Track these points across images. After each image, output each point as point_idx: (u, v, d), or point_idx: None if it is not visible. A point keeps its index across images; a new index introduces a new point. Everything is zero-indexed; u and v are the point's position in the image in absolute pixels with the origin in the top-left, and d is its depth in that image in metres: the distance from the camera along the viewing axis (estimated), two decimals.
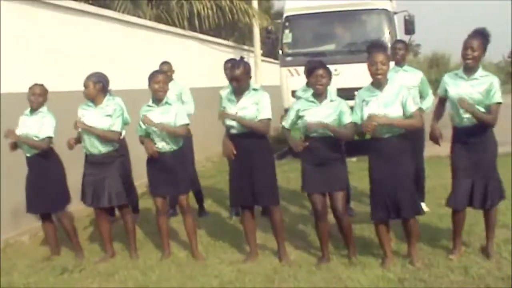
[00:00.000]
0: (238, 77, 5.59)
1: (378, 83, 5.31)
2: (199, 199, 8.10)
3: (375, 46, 5.52)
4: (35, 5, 7.84)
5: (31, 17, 7.80)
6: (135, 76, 9.75)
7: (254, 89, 5.73)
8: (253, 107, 5.61)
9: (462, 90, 5.33)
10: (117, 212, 6.90)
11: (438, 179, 8.55)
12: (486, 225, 5.62)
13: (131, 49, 10.56)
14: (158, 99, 5.95)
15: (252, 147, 5.62)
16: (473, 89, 5.31)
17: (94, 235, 7.13)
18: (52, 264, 6.13)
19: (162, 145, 5.95)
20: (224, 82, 7.82)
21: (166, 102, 6.00)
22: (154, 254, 6.33)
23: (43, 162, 6.19)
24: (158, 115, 5.91)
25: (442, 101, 5.67)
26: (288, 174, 10.07)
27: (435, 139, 5.66)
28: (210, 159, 12.93)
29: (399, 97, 5.25)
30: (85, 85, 6.02)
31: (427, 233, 6.19)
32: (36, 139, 6.11)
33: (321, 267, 5.55)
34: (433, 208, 7.23)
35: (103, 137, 6.00)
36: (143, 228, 7.22)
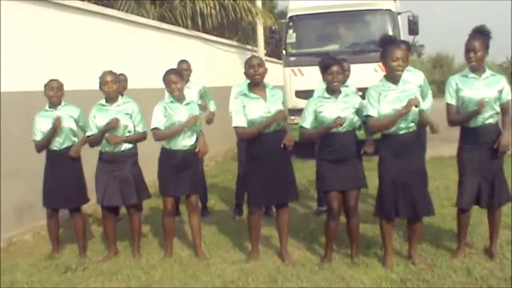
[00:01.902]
0: (262, 63, 5.67)
1: (393, 79, 5.31)
2: (204, 198, 8.09)
3: (391, 41, 5.49)
4: (36, 4, 7.83)
5: (33, 16, 7.80)
6: (137, 75, 9.76)
7: (271, 87, 5.79)
8: (281, 105, 5.70)
9: (479, 91, 5.29)
10: (121, 211, 6.90)
11: (441, 180, 8.55)
12: (491, 226, 5.61)
13: (134, 49, 10.55)
14: (176, 99, 5.95)
15: (278, 145, 5.64)
16: (489, 88, 5.31)
17: (97, 234, 7.14)
18: (55, 263, 6.13)
19: (187, 142, 5.94)
20: (228, 82, 7.83)
21: (190, 102, 6.06)
22: (157, 253, 6.33)
23: (68, 158, 6.21)
24: (185, 112, 5.91)
25: (457, 108, 5.49)
26: None
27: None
28: (214, 159, 12.93)
29: (415, 93, 5.30)
30: (113, 81, 6.00)
31: (430, 234, 6.19)
32: (72, 136, 6.23)
33: (324, 267, 5.55)
34: (436, 209, 7.17)
35: (135, 141, 6.10)
36: (146, 227, 7.22)
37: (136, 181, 6.14)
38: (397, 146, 5.27)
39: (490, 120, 5.35)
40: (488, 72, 5.39)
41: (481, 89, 5.30)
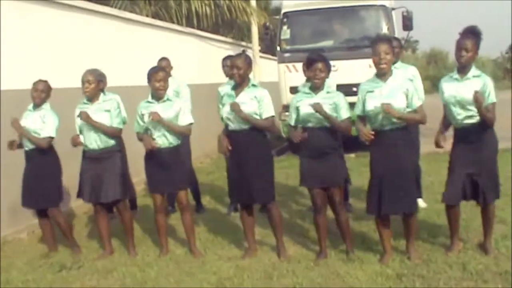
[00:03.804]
0: (239, 65, 5.61)
1: (382, 74, 5.30)
2: (196, 195, 8.09)
3: (379, 38, 5.49)
4: (34, 3, 7.82)
5: (30, 14, 7.79)
6: (132, 73, 9.74)
7: (253, 85, 5.74)
8: (253, 103, 5.61)
9: (456, 92, 5.30)
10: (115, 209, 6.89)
11: (436, 175, 8.55)
12: (484, 221, 5.61)
13: (129, 46, 10.54)
14: (158, 97, 5.94)
15: (249, 144, 5.61)
16: (466, 89, 5.26)
17: (93, 232, 7.13)
18: (50, 261, 6.12)
19: (162, 141, 5.91)
20: (222, 79, 7.81)
21: (167, 99, 5.98)
22: (152, 251, 6.33)
23: (41, 158, 6.21)
24: (160, 111, 5.87)
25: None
26: (287, 170, 10.06)
27: (438, 145, 5.63)
28: (209, 156, 12.93)
29: (402, 89, 5.25)
30: (88, 81, 5.99)
31: (425, 229, 6.20)
32: (36, 135, 6.13)
33: (320, 262, 5.55)
34: (431, 204, 7.24)
35: (104, 131, 6.01)
36: (141, 225, 7.22)
37: (123, 178, 6.15)
38: (384, 142, 5.26)
39: (468, 121, 5.31)
40: (472, 72, 5.33)
41: (458, 91, 5.30)
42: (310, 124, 5.51)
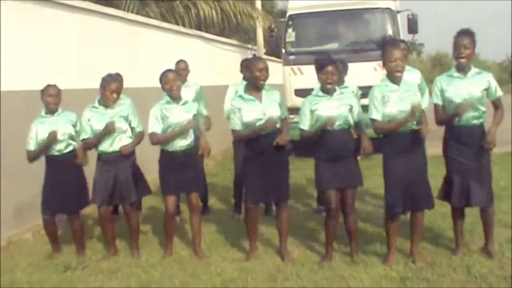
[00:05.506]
0: (267, 68, 5.67)
1: (395, 79, 5.32)
2: (204, 197, 8.09)
3: (391, 42, 5.49)
4: (37, 3, 7.82)
5: (33, 15, 7.78)
6: (140, 75, 9.76)
7: (268, 88, 5.77)
8: (278, 107, 5.70)
9: (463, 90, 5.32)
10: (120, 210, 6.91)
11: (441, 178, 8.52)
12: (483, 225, 5.62)
13: (136, 48, 10.55)
14: (174, 97, 5.96)
15: (273, 146, 5.64)
16: (473, 87, 5.32)
17: (97, 233, 7.14)
18: (55, 262, 6.14)
19: (183, 143, 5.95)
20: (228, 81, 7.82)
21: (186, 101, 6.04)
22: (156, 252, 6.34)
23: (69, 162, 6.20)
24: (182, 112, 5.93)
25: (443, 108, 5.53)
26: (291, 172, 10.03)
27: None
28: (214, 158, 12.90)
29: (417, 93, 5.34)
30: (113, 91, 6.00)
31: (430, 232, 6.20)
32: (71, 140, 6.19)
33: (324, 265, 5.55)
34: (436, 207, 7.19)
35: (138, 143, 6.18)
36: (145, 226, 7.23)
37: (135, 179, 6.17)
38: (400, 144, 5.29)
39: (475, 121, 5.34)
40: (473, 70, 5.40)
41: (465, 89, 5.32)
42: (329, 127, 5.51)
